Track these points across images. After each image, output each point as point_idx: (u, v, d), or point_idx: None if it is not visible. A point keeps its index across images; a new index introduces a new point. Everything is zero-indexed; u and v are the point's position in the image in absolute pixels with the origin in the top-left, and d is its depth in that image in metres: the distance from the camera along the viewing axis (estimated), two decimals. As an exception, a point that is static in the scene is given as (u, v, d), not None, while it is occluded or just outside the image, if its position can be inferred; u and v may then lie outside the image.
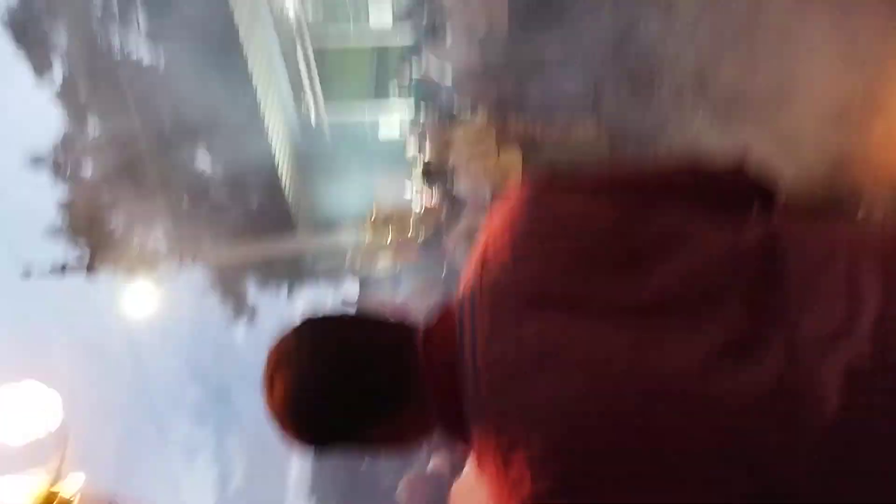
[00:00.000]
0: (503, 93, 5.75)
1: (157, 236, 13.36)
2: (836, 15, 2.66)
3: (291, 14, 10.80)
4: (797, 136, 2.75)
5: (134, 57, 14.21)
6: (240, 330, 17.78)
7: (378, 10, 10.52)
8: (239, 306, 15.02)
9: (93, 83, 12.40)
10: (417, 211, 6.84)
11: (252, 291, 15.75)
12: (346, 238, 8.88)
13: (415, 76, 6.87)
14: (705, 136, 3.78)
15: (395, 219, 6.55)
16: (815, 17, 2.79)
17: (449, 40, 6.08)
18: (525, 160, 5.06)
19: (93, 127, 13.13)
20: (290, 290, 18.07)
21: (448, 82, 5.96)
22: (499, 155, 5.14)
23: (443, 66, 5.95)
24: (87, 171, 13.10)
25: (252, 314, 15.41)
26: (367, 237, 7.34)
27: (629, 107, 4.81)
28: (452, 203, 5.73)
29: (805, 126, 2.74)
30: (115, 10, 13.21)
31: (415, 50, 6.44)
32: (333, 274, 14.61)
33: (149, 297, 9.05)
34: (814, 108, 2.70)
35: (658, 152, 4.33)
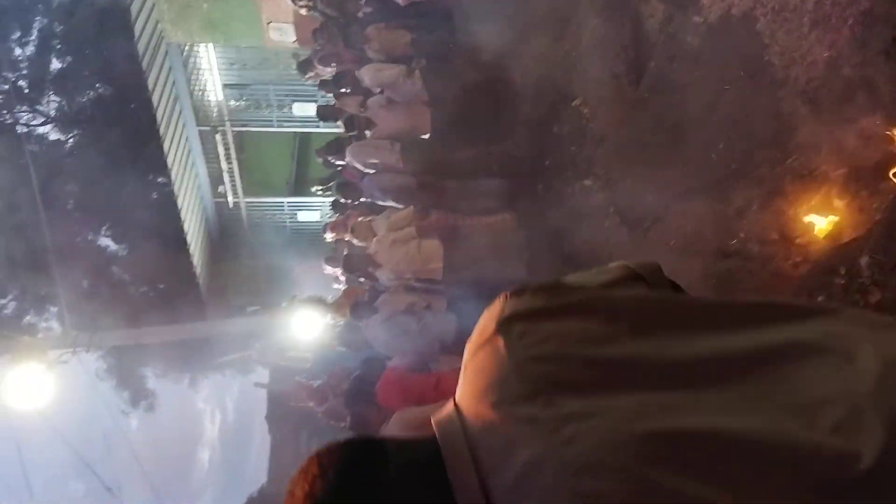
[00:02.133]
0: (424, 187, 5.98)
1: (49, 318, 12.52)
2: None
3: (212, 98, 10.87)
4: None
5: (39, 133, 13.73)
6: (134, 420, 16.58)
7: (302, 104, 10.79)
8: (136, 394, 14.13)
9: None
10: (337, 296, 6.83)
11: (151, 379, 14.89)
12: (260, 324, 8.66)
13: (335, 179, 6.95)
14: (616, 233, 4.10)
15: (316, 302, 6.49)
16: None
17: (370, 141, 6.28)
18: (445, 248, 5.24)
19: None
20: (193, 379, 17.22)
21: (371, 177, 6.11)
22: (420, 241, 5.29)
23: (364, 166, 6.10)
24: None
25: (151, 402, 14.53)
26: (282, 323, 7.21)
27: (545, 201, 5.13)
28: (373, 288, 5.78)
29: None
30: (25, 88, 12.86)
31: (336, 149, 6.55)
32: (243, 362, 14.07)
33: (35, 384, 8.38)
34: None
35: (573, 244, 4.62)
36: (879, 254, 2.13)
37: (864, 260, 2.17)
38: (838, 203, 2.42)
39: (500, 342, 0.92)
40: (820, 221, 2.48)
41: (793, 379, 0.82)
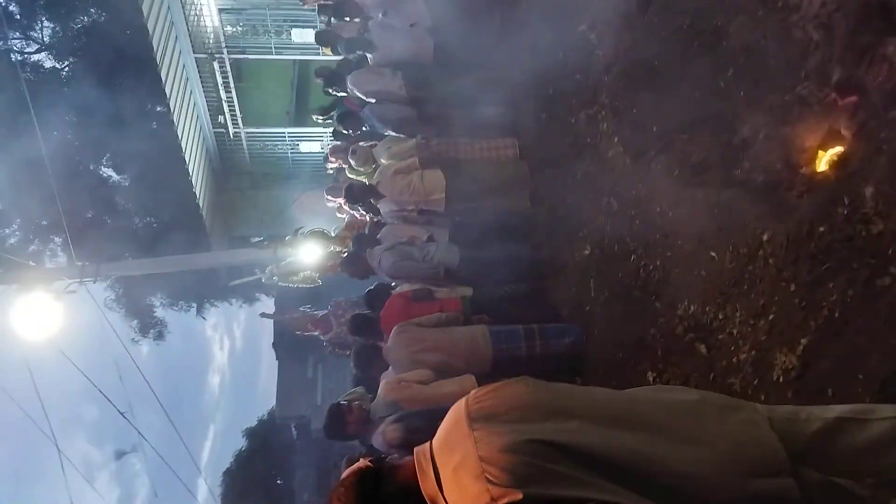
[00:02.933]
0: (426, 116, 5.89)
1: (55, 248, 12.61)
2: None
3: (209, 24, 10.58)
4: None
5: (34, 61, 13.44)
6: (144, 347, 16.93)
7: (301, 30, 10.49)
8: (145, 323, 14.39)
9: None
10: (341, 225, 6.85)
11: (160, 308, 15.12)
12: (264, 252, 8.71)
13: (336, 107, 6.81)
14: (619, 163, 4.06)
15: (318, 235, 6.51)
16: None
17: (372, 68, 6.14)
18: (448, 178, 5.21)
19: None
20: (201, 307, 17.48)
21: (371, 107, 6.00)
22: (423, 171, 5.25)
23: (365, 94, 5.98)
24: (-22, 178, 12.24)
25: (160, 331, 14.81)
26: (289, 253, 7.25)
27: (548, 130, 5.06)
28: (376, 216, 5.79)
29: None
30: (17, 14, 12.50)
31: (337, 77, 6.40)
32: (248, 290, 14.24)
33: (44, 312, 8.52)
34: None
35: (576, 174, 4.59)
36: (885, 185, 2.11)
37: (868, 191, 2.15)
38: (845, 133, 2.38)
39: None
40: (826, 151, 2.45)
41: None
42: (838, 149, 2.42)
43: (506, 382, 1.49)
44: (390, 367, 4.39)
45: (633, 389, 1.58)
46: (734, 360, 2.71)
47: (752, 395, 2.55)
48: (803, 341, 2.33)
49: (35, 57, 13.74)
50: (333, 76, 6.51)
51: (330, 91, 6.60)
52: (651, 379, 3.37)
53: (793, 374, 2.36)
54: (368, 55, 6.17)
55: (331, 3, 6.63)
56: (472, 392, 1.50)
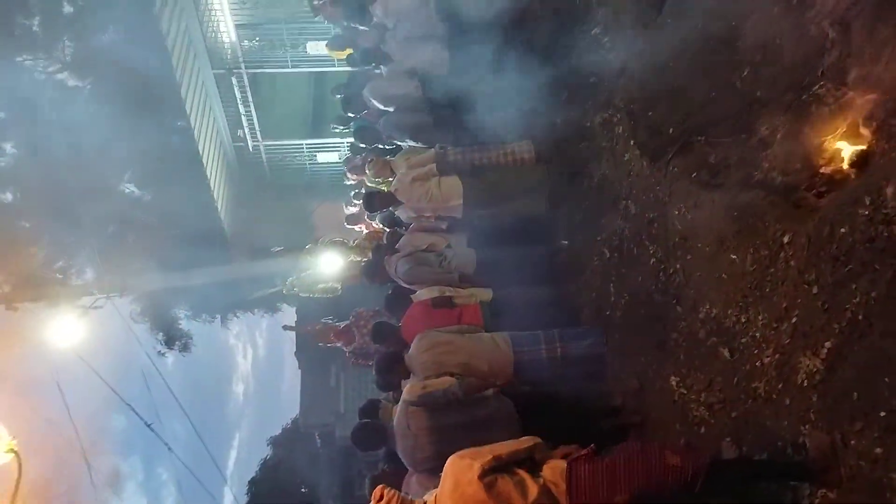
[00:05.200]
0: (442, 122, 5.91)
1: (81, 264, 12.82)
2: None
3: (226, 40, 10.72)
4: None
5: (57, 80, 13.72)
6: (169, 358, 17.15)
7: (316, 42, 10.59)
8: (171, 335, 14.58)
9: (11, 104, 11.88)
10: (360, 234, 6.88)
11: (184, 320, 15.31)
12: (285, 263, 8.78)
13: (354, 117, 6.86)
14: (636, 165, 4.03)
15: (339, 243, 6.55)
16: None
17: (388, 75, 6.18)
18: (465, 184, 5.21)
19: (10, 149, 12.57)
20: (224, 318, 17.67)
21: (388, 116, 6.04)
22: (440, 178, 5.27)
23: (383, 101, 6.02)
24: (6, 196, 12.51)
25: (186, 342, 15.00)
26: (308, 263, 7.30)
27: (564, 134, 5.05)
28: (394, 226, 5.81)
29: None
30: (40, 34, 12.76)
31: (353, 86, 6.45)
32: (270, 300, 14.35)
33: (73, 328, 8.67)
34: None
35: (593, 178, 4.57)
36: (906, 182, 2.08)
37: (889, 190, 2.12)
38: (865, 131, 2.35)
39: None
40: (846, 150, 2.42)
41: None
42: (858, 147, 2.39)
43: None
44: (412, 376, 4.40)
45: None
46: (758, 364, 2.67)
47: (777, 399, 2.51)
48: (827, 344, 2.29)
49: (58, 76, 14.01)
50: (351, 97, 6.57)
51: (349, 114, 6.67)
52: (674, 384, 3.33)
53: (817, 377, 2.32)
54: (383, 66, 6.22)
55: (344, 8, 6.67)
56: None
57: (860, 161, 2.36)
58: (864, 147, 2.36)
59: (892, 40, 2.32)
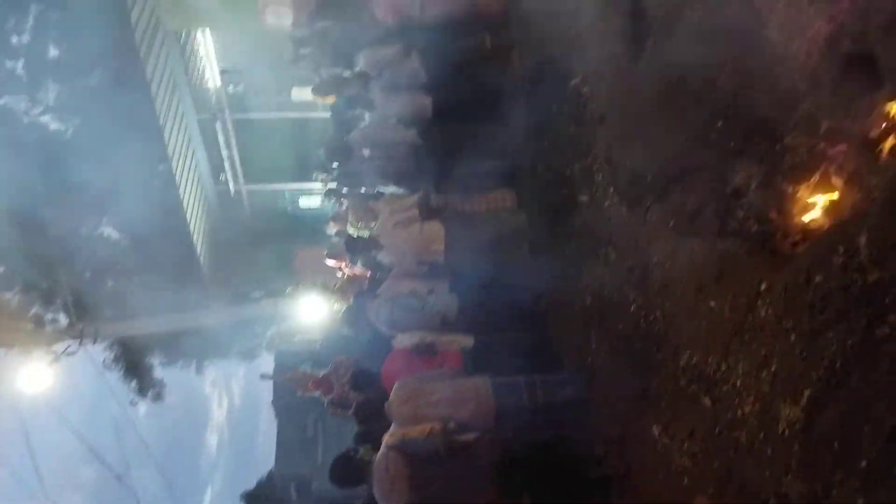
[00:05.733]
0: (424, 169, 5.97)
1: (55, 309, 12.57)
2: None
3: (211, 85, 10.82)
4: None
5: (40, 122, 13.70)
6: (142, 407, 16.72)
7: (300, 89, 10.74)
8: (143, 383, 14.22)
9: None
10: (340, 282, 6.85)
11: (158, 367, 14.98)
12: (264, 310, 8.69)
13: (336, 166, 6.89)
14: (615, 213, 4.08)
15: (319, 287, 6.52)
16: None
17: (371, 122, 6.26)
18: (447, 230, 5.24)
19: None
20: (200, 367, 17.29)
21: (369, 163, 6.09)
22: (422, 223, 5.29)
23: (366, 147, 6.08)
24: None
25: (159, 390, 14.62)
26: (288, 313, 7.24)
27: (545, 182, 5.11)
28: (376, 270, 5.80)
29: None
30: (24, 77, 12.80)
31: (336, 133, 6.51)
32: (248, 349, 14.12)
33: (44, 376, 8.45)
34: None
35: (573, 225, 4.61)
36: (878, 232, 2.11)
37: (862, 239, 2.15)
38: (837, 181, 2.40)
39: None
40: (819, 200, 2.46)
41: None
42: (830, 197, 2.43)
43: None
44: (393, 424, 4.32)
45: None
46: (739, 413, 2.66)
47: (759, 448, 2.49)
48: (806, 392, 2.29)
49: (41, 119, 14.00)
50: (334, 143, 6.62)
51: (332, 162, 6.71)
52: (657, 432, 3.30)
53: (798, 427, 2.31)
54: (367, 113, 6.31)
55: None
56: None
57: (833, 210, 2.41)
58: (836, 197, 2.41)
59: (859, 91, 2.40)
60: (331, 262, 6.60)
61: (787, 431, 2.37)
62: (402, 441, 3.62)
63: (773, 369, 2.50)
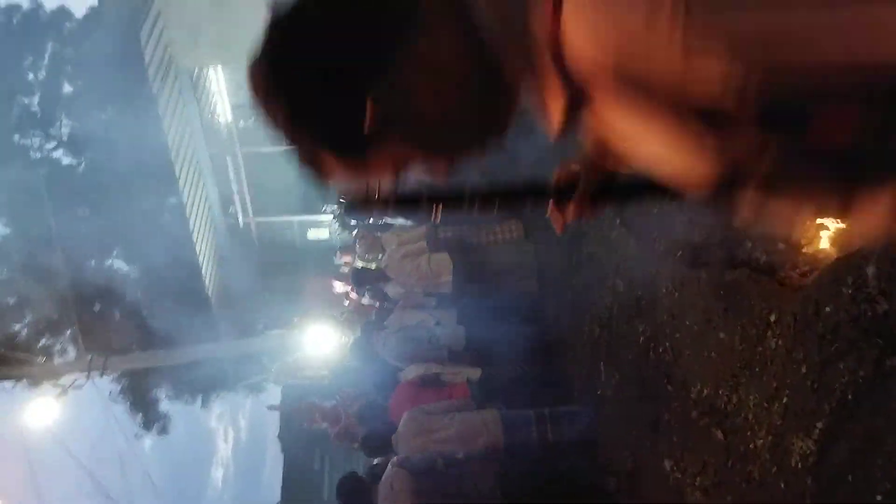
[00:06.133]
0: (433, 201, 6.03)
1: (64, 342, 12.61)
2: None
3: (222, 120, 11.00)
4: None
5: (52, 158, 13.91)
6: (147, 441, 16.61)
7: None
8: (149, 416, 14.18)
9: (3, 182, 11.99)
10: (347, 313, 6.85)
11: (165, 401, 14.95)
12: (272, 342, 8.69)
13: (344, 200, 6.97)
14: (622, 244, 4.09)
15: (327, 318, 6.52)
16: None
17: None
18: (455, 261, 5.26)
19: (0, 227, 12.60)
20: (206, 400, 17.24)
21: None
22: (430, 255, 5.32)
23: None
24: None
25: (164, 424, 14.57)
26: (295, 346, 7.24)
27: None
28: (383, 302, 5.81)
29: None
30: (38, 113, 13.06)
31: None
32: (255, 382, 14.08)
33: (51, 408, 8.44)
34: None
35: (580, 256, 4.62)
36: (886, 263, 2.12)
37: (870, 270, 2.16)
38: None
39: None
40: (827, 230, 2.47)
41: None
42: (838, 227, 2.44)
43: None
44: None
45: None
46: (751, 446, 2.63)
47: (772, 482, 2.46)
48: (819, 425, 2.27)
49: (54, 154, 14.23)
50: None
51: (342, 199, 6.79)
52: (668, 466, 3.26)
53: (811, 460, 2.28)
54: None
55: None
56: None
57: (840, 241, 2.41)
58: (844, 227, 2.42)
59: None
60: (338, 286, 6.63)
61: (799, 465, 2.34)
62: (406, 458, 3.68)
63: (784, 401, 2.48)
